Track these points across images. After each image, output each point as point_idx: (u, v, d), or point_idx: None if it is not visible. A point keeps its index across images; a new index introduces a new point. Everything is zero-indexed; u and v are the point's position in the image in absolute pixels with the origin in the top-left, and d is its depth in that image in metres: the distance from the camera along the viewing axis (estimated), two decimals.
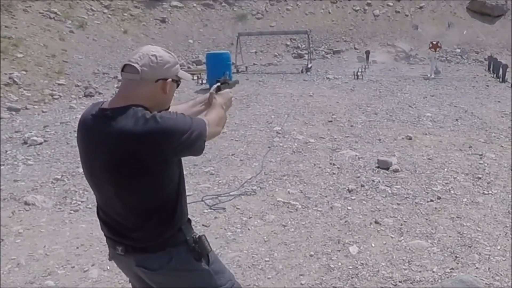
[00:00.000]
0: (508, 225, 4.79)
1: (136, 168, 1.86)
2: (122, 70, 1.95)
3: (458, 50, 21.21)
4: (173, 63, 2.00)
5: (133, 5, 22.19)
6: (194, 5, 23.52)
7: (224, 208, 5.27)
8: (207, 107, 2.36)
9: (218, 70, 13.13)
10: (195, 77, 14.95)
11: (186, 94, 12.67)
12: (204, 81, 14.20)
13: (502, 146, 7.53)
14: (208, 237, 4.40)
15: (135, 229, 1.98)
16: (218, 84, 2.53)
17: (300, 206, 5.32)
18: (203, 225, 4.86)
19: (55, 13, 17.20)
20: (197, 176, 6.30)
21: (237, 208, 5.28)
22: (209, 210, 5.24)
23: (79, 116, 2.07)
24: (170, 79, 1.98)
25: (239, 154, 7.19)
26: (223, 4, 24.01)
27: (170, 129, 1.85)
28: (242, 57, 18.80)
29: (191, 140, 1.90)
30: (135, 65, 1.90)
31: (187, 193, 5.82)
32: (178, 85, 2.09)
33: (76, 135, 2.10)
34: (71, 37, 16.40)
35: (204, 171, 6.48)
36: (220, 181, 6.10)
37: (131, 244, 2.01)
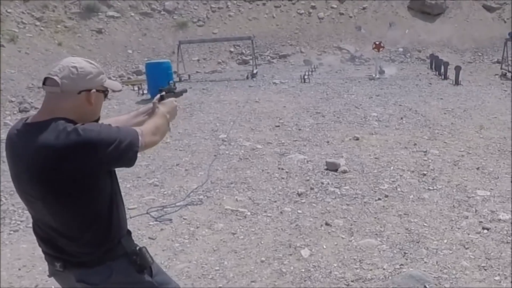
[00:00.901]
0: (453, 219, 5.01)
1: (62, 183, 1.85)
2: (44, 84, 1.94)
3: (401, 50, 21.95)
4: (96, 74, 1.99)
5: (67, 17, 21.74)
6: (132, 14, 23.28)
7: (170, 220, 5.25)
8: (150, 117, 2.32)
9: (159, 80, 13.10)
10: (136, 88, 14.81)
11: (127, 105, 12.54)
12: (145, 92, 14.08)
13: (445, 142, 7.85)
14: (155, 249, 4.41)
15: (71, 243, 1.97)
16: (162, 93, 2.52)
17: (249, 213, 5.37)
18: (149, 237, 4.83)
19: None
20: (141, 188, 6.25)
21: (184, 219, 5.27)
22: (155, 222, 5.21)
23: None
24: (94, 90, 1.98)
25: (184, 164, 7.18)
26: (162, 12, 23.88)
27: (93, 141, 1.83)
28: (184, 65, 18.73)
29: (119, 151, 1.89)
30: (55, 77, 1.90)
31: (131, 206, 5.77)
32: (106, 95, 2.09)
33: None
34: (2, 52, 15.91)
35: (148, 183, 6.43)
36: (165, 192, 6.07)
37: (69, 259, 2.00)
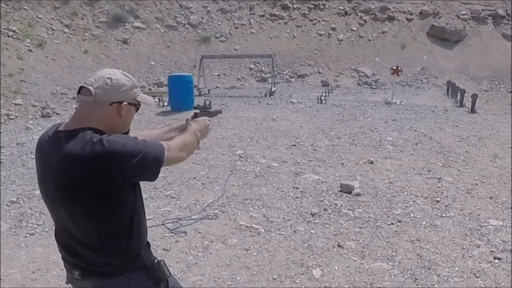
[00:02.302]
0: (465, 247, 4.98)
1: (85, 193, 1.86)
2: (78, 92, 1.96)
3: (418, 75, 21.89)
4: (130, 87, 2.01)
5: (95, 25, 22.11)
6: (157, 26, 23.60)
7: (185, 232, 5.29)
8: (181, 133, 2.31)
9: (180, 93, 13.27)
10: (156, 99, 14.95)
11: (146, 116, 12.65)
12: (166, 104, 14.21)
13: (459, 170, 7.82)
14: (169, 261, 4.43)
15: (91, 252, 1.98)
16: (197, 111, 2.54)
17: (262, 230, 5.38)
18: (163, 249, 4.86)
19: (14, 31, 16.99)
20: (158, 199, 6.30)
21: (199, 232, 5.30)
22: (170, 234, 5.24)
23: (36, 137, 2.10)
24: (126, 103, 1.99)
25: (200, 178, 7.22)
26: (187, 26, 24.17)
27: (117, 153, 1.83)
28: (205, 80, 18.89)
29: (142, 164, 1.89)
30: (90, 87, 1.92)
31: (147, 217, 5.78)
32: (137, 109, 2.09)
33: (34, 156, 2.11)
34: (30, 56, 16.20)
35: (165, 194, 6.48)
36: (181, 205, 6.11)
37: (88, 268, 2.01)
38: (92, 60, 19.65)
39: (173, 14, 24.39)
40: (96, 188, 1.85)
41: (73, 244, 2.01)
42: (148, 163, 1.91)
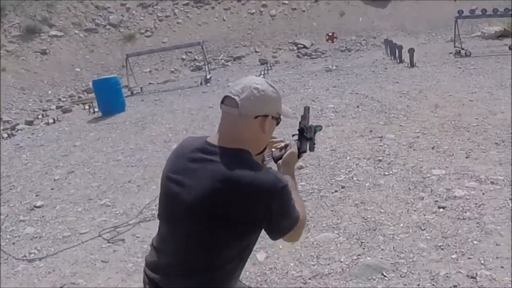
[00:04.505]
0: (409, 202, 5.08)
1: (220, 217, 1.76)
2: (222, 102, 1.85)
3: (355, 38, 22.23)
4: (275, 99, 1.88)
5: (8, 41, 21.36)
6: (76, 32, 23.01)
7: (123, 240, 5.19)
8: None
9: (108, 96, 13.06)
10: (87, 106, 14.64)
11: (78, 125, 12.41)
12: (96, 109, 13.92)
13: (401, 125, 7.96)
14: (109, 272, 4.36)
15: (177, 266, 1.85)
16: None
17: None
18: (102, 261, 4.78)
19: None
20: (92, 210, 6.17)
21: (137, 237, 5.21)
22: (107, 245, 5.14)
23: None
24: (270, 117, 1.87)
25: (135, 180, 7.10)
26: (108, 27, 23.67)
27: (277, 204, 1.76)
28: (136, 78, 18.56)
29: (279, 224, 1.82)
30: (236, 97, 1.80)
31: (83, 231, 5.67)
32: (277, 123, 1.94)
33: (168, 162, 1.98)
34: None
35: (100, 204, 6.35)
36: (117, 212, 6.00)
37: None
38: (12, 76, 19.03)
39: (91, 17, 23.83)
40: (235, 219, 1.75)
41: (167, 266, 1.88)
42: (280, 227, 1.83)
